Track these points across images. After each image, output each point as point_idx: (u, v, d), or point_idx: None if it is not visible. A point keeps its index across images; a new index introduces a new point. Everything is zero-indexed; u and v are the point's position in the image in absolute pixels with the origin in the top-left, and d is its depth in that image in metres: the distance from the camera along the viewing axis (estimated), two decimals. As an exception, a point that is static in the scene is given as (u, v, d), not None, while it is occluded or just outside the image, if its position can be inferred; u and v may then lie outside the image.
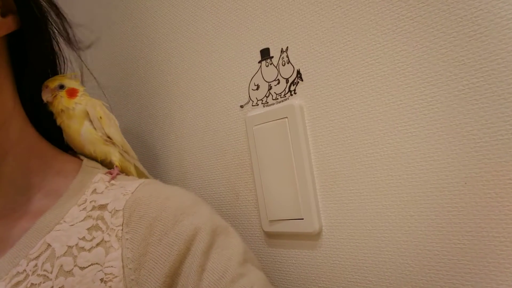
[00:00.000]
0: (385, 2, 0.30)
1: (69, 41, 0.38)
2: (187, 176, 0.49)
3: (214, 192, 0.45)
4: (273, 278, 0.40)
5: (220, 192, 0.45)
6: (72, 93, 0.38)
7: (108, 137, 0.39)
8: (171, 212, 0.31)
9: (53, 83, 0.37)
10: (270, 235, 0.40)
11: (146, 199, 0.32)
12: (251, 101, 0.40)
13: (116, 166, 0.38)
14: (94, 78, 0.43)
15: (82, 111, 0.38)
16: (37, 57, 0.37)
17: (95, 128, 0.38)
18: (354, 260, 0.33)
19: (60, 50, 0.39)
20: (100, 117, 0.39)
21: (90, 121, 0.38)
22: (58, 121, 0.38)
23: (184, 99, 0.48)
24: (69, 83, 0.38)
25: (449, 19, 0.27)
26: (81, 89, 0.39)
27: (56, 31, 0.38)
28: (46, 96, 0.37)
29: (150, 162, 0.54)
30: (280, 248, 0.39)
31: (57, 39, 0.38)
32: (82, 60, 0.41)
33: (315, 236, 0.36)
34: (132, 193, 0.33)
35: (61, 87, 0.38)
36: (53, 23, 0.37)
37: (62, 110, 0.37)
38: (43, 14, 0.36)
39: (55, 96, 0.37)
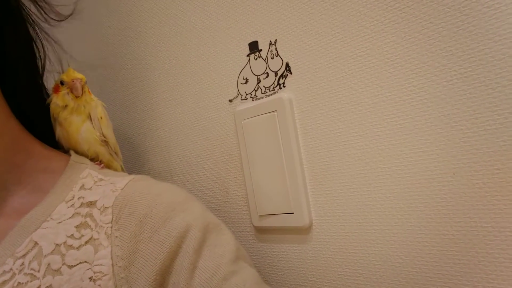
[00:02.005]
0: (373, -8, 0.30)
1: (44, 13, 0.37)
2: (175, 172, 0.48)
3: (204, 187, 0.45)
4: (264, 273, 0.40)
5: (210, 187, 0.44)
6: (88, 88, 0.39)
7: (104, 138, 0.39)
8: (162, 209, 0.31)
9: (82, 77, 0.37)
10: (260, 230, 0.40)
11: (136, 196, 0.32)
12: (240, 95, 0.40)
13: (103, 166, 0.39)
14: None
15: (87, 109, 0.38)
16: (15, 46, 0.36)
17: (94, 128, 0.38)
18: (344, 253, 0.33)
19: (38, 37, 0.38)
20: (101, 117, 0.39)
21: (91, 120, 0.38)
22: (62, 116, 0.37)
23: (172, 94, 0.47)
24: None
25: (437, 10, 0.27)
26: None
27: (31, 17, 0.37)
28: (78, 90, 0.36)
29: (138, 158, 0.54)
30: (270, 243, 0.39)
31: (33, 25, 0.37)
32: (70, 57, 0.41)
33: (305, 230, 0.36)
34: (122, 189, 0.32)
35: (85, 82, 0.38)
36: (27, 7, 0.36)
37: (77, 105, 0.37)
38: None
39: (84, 91, 0.37)
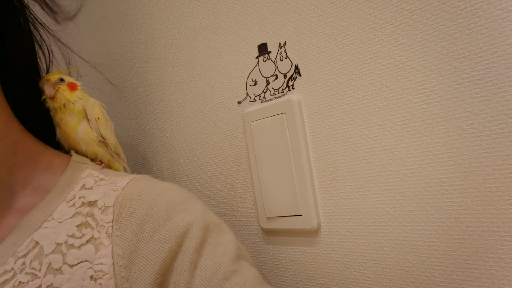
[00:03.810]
0: (385, -5, 0.30)
1: (51, 13, 0.37)
2: (184, 173, 0.48)
3: (212, 189, 0.45)
4: (271, 275, 0.39)
5: (218, 189, 0.44)
6: (73, 86, 0.38)
7: (103, 138, 0.39)
8: (162, 208, 0.31)
9: (54, 76, 0.37)
10: (268, 232, 0.39)
11: (137, 195, 0.31)
12: (248, 97, 0.40)
13: (104, 166, 0.38)
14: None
15: (82, 108, 0.38)
16: (17, 47, 0.35)
17: (91, 128, 0.38)
18: (353, 257, 0.33)
19: (42, 38, 0.38)
20: (98, 118, 0.39)
21: (88, 120, 0.38)
22: (58, 117, 0.37)
23: (181, 96, 0.47)
24: (67, 78, 0.38)
25: (449, 12, 0.27)
26: (78, 84, 0.39)
27: (37, 19, 0.37)
28: (49, 91, 0.36)
29: (146, 159, 0.53)
30: (278, 245, 0.38)
31: (37, 28, 0.37)
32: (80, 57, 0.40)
33: (313, 233, 0.35)
34: (123, 188, 0.32)
35: (62, 80, 0.37)
36: (31, 8, 0.36)
37: (64, 105, 0.37)
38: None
39: (57, 90, 0.37)
